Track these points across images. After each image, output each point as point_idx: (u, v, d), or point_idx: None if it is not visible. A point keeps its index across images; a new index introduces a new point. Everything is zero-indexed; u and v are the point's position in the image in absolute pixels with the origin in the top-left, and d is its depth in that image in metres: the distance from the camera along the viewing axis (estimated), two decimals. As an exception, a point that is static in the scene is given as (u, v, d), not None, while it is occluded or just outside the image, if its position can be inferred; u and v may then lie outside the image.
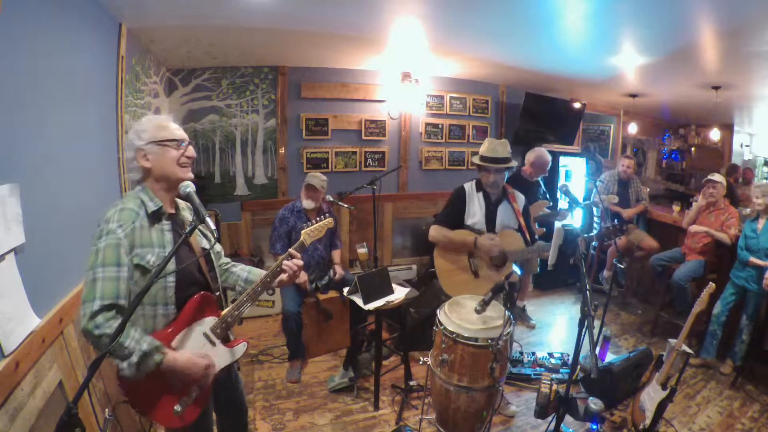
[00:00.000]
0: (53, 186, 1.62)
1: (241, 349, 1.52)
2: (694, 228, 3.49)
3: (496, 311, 2.13)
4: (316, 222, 1.67)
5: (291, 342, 2.99)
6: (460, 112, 4.80)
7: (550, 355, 3.13)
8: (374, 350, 2.68)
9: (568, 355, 3.11)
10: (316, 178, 3.10)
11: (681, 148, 6.91)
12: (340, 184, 3.99)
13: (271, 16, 2.71)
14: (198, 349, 1.38)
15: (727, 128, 6.26)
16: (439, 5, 2.58)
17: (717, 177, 3.48)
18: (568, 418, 2.13)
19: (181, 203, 1.47)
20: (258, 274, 1.59)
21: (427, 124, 4.65)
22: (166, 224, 1.34)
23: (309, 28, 3.00)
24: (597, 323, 2.87)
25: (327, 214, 3.18)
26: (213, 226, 1.23)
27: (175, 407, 1.31)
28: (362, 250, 4.12)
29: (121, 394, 1.30)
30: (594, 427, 2.25)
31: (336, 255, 3.33)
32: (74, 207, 1.78)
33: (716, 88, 4.09)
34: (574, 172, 4.98)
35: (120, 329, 1.04)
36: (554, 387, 2.16)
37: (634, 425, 2.33)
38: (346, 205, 3.18)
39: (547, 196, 3.85)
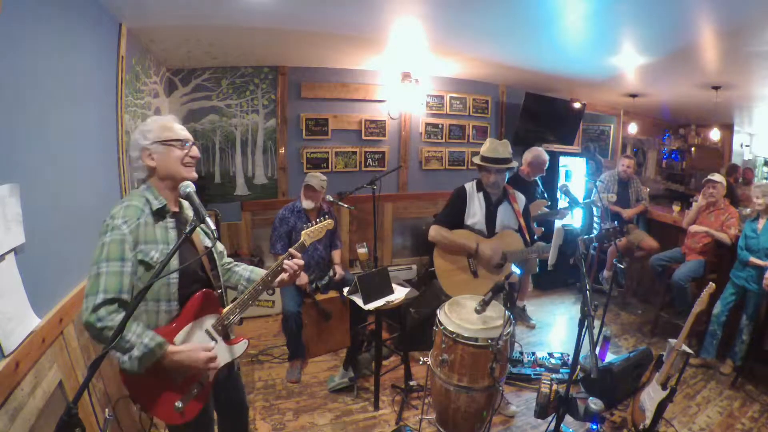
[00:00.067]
0: (53, 186, 1.62)
1: (242, 346, 1.54)
2: (694, 228, 3.49)
3: (496, 311, 2.13)
4: (317, 223, 1.69)
5: (291, 342, 2.99)
6: (460, 112, 4.80)
7: (550, 355, 3.13)
8: (374, 350, 2.68)
9: (568, 355, 3.11)
10: (315, 178, 3.09)
11: (681, 148, 6.91)
12: (340, 184, 3.99)
13: (271, 16, 2.71)
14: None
15: (727, 128, 6.26)
16: (439, 5, 2.58)
17: (717, 177, 3.48)
18: (568, 418, 2.13)
19: (185, 202, 1.48)
20: (260, 273, 1.60)
21: (427, 124, 4.65)
22: (170, 222, 1.37)
23: (309, 28, 3.00)
24: (597, 323, 2.87)
25: (327, 214, 3.20)
26: (213, 226, 1.24)
27: (176, 403, 1.32)
28: (362, 250, 4.11)
29: (123, 388, 1.31)
30: (594, 427, 2.25)
31: (336, 255, 3.33)
32: (74, 207, 1.78)
33: (716, 88, 4.08)
34: (574, 172, 4.98)
35: (123, 323, 1.05)
36: (554, 387, 2.16)
37: (634, 425, 2.33)
38: (346, 205, 3.18)
39: (545, 195, 3.85)
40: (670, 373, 2.20)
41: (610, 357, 3.08)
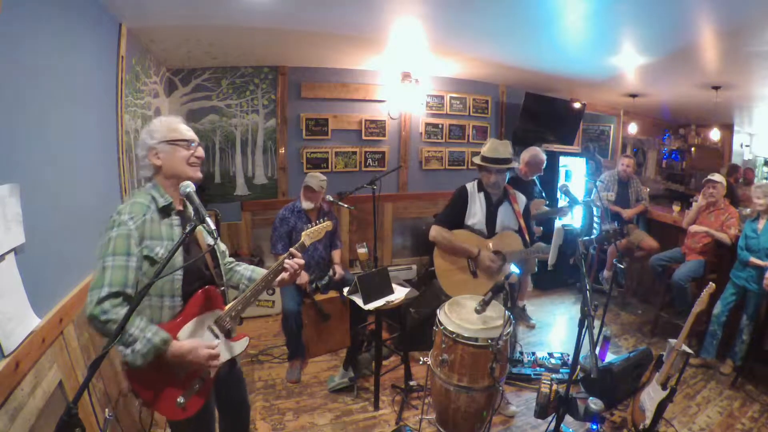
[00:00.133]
0: (53, 186, 1.62)
1: (243, 343, 1.57)
2: (694, 228, 3.49)
3: (496, 311, 2.13)
4: (317, 224, 1.73)
5: (291, 341, 2.99)
6: (460, 112, 4.80)
7: (550, 355, 3.13)
8: (374, 350, 2.68)
9: (568, 355, 3.11)
10: (315, 178, 3.09)
11: (681, 148, 6.91)
12: (340, 184, 3.99)
13: (271, 16, 2.71)
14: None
15: (727, 128, 6.26)
16: (439, 5, 2.58)
17: (717, 177, 3.48)
18: (568, 418, 2.12)
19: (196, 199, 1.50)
20: (261, 273, 1.63)
21: (427, 124, 4.65)
22: (175, 219, 1.40)
23: (309, 28, 3.00)
24: (597, 323, 2.87)
25: (327, 214, 3.20)
26: (213, 226, 1.25)
27: (179, 399, 1.34)
28: (362, 250, 4.12)
29: (125, 383, 1.31)
30: (594, 427, 2.25)
31: (336, 255, 3.33)
32: (74, 207, 1.78)
33: (716, 88, 4.09)
34: (574, 172, 4.97)
35: (127, 316, 1.07)
36: (554, 387, 2.16)
37: (634, 425, 2.33)
38: (346, 205, 3.17)
39: (543, 194, 3.85)
40: (670, 373, 2.20)
41: (610, 357, 3.07)
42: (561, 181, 4.65)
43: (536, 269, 3.83)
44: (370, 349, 2.96)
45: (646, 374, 2.43)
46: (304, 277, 3.02)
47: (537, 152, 3.65)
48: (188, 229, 1.23)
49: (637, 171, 5.12)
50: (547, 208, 3.71)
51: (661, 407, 2.14)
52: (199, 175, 1.44)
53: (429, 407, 2.40)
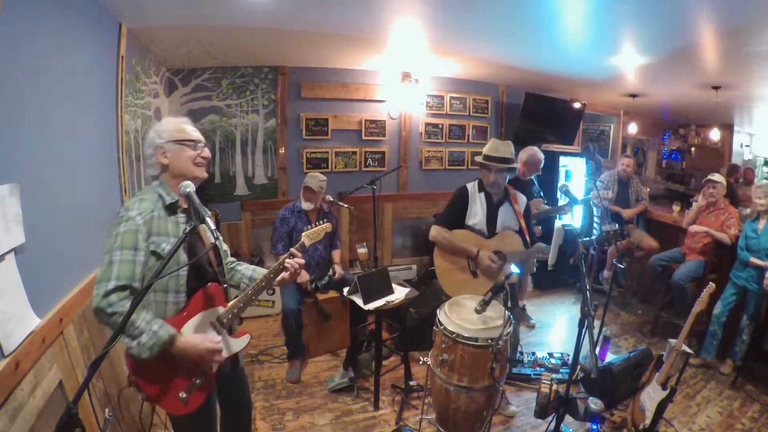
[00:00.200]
0: (53, 186, 1.62)
1: (244, 340, 1.59)
2: (694, 228, 3.49)
3: (496, 311, 2.13)
4: (317, 224, 1.77)
5: (290, 340, 2.99)
6: (460, 112, 4.80)
7: (550, 355, 3.13)
8: (374, 350, 2.68)
9: (568, 355, 3.11)
10: (314, 179, 3.09)
11: (681, 148, 6.91)
12: (340, 184, 3.99)
13: (271, 16, 2.71)
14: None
15: (727, 128, 6.26)
16: (439, 5, 2.58)
17: (717, 177, 3.48)
18: (568, 418, 2.12)
19: (196, 198, 1.51)
20: (261, 272, 1.65)
21: (427, 124, 4.65)
22: (181, 217, 1.43)
23: (309, 28, 3.00)
24: (597, 323, 2.87)
25: (328, 215, 3.20)
26: (213, 226, 1.27)
27: (181, 393, 1.36)
28: (362, 250, 4.12)
29: (129, 377, 1.35)
30: (594, 427, 2.25)
31: (336, 255, 3.33)
32: (74, 207, 1.78)
33: (716, 88, 4.09)
34: (574, 172, 4.98)
35: (133, 307, 1.09)
36: (554, 387, 2.16)
37: (634, 425, 2.33)
38: (346, 205, 3.18)
39: (542, 194, 3.85)
40: (670, 373, 2.20)
41: (610, 357, 3.07)
42: (561, 181, 4.65)
43: (535, 269, 3.84)
44: (370, 349, 2.96)
45: (646, 374, 2.43)
46: (304, 276, 3.02)
47: (535, 151, 3.66)
48: (188, 229, 1.24)
49: (637, 171, 5.12)
50: (547, 207, 3.72)
51: (661, 407, 2.14)
52: (205, 174, 1.49)
53: (429, 407, 2.40)
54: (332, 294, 3.22)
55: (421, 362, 2.62)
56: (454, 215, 2.55)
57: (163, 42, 3.05)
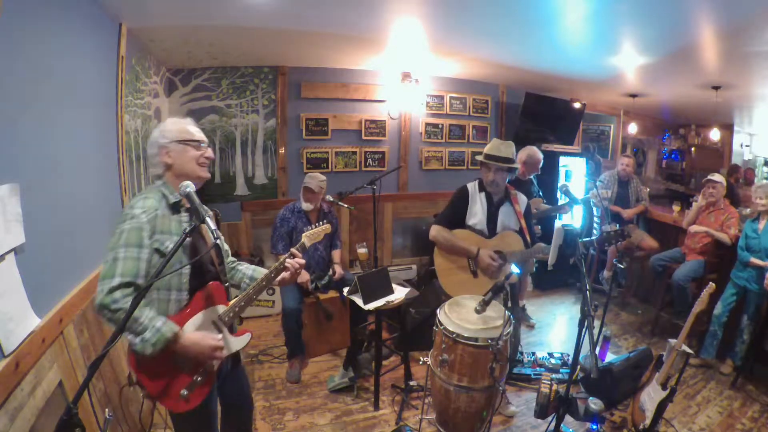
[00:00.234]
0: (53, 186, 1.62)
1: (245, 339, 1.60)
2: (694, 228, 3.49)
3: (496, 311, 2.13)
4: (317, 224, 1.78)
5: (290, 340, 2.98)
6: (460, 112, 4.80)
7: (550, 355, 3.13)
8: (374, 350, 2.68)
9: (568, 355, 3.11)
10: (314, 179, 3.09)
11: (681, 148, 6.91)
12: (340, 184, 3.99)
13: (271, 16, 2.71)
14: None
15: (727, 128, 6.26)
16: (439, 5, 2.58)
17: (717, 177, 3.48)
18: (568, 418, 2.12)
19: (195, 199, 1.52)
20: (262, 272, 1.66)
21: (427, 124, 4.65)
22: (184, 216, 1.44)
23: (309, 28, 3.00)
24: (597, 323, 2.87)
25: (328, 215, 3.21)
26: (213, 226, 1.28)
27: (182, 391, 1.37)
28: (362, 250, 4.12)
29: (131, 374, 1.36)
30: (594, 427, 2.25)
31: (336, 255, 3.33)
32: (74, 207, 1.78)
33: (716, 88, 4.08)
34: (574, 172, 4.98)
35: (136, 303, 1.10)
36: (554, 387, 2.16)
37: (634, 425, 2.33)
38: (346, 205, 3.18)
39: (541, 193, 3.85)
40: (670, 373, 2.20)
41: (610, 357, 3.08)
42: (561, 181, 4.66)
43: (535, 269, 3.84)
44: (370, 349, 2.96)
45: (646, 374, 2.43)
46: (304, 276, 3.02)
47: (534, 151, 3.66)
48: (188, 228, 1.26)
49: (637, 171, 5.12)
50: (546, 206, 3.72)
51: (661, 407, 2.14)
52: (208, 174, 1.51)
53: (429, 407, 2.41)
54: (332, 294, 3.22)
55: (421, 362, 2.61)
56: (455, 215, 2.55)
57: (163, 42, 3.05)
